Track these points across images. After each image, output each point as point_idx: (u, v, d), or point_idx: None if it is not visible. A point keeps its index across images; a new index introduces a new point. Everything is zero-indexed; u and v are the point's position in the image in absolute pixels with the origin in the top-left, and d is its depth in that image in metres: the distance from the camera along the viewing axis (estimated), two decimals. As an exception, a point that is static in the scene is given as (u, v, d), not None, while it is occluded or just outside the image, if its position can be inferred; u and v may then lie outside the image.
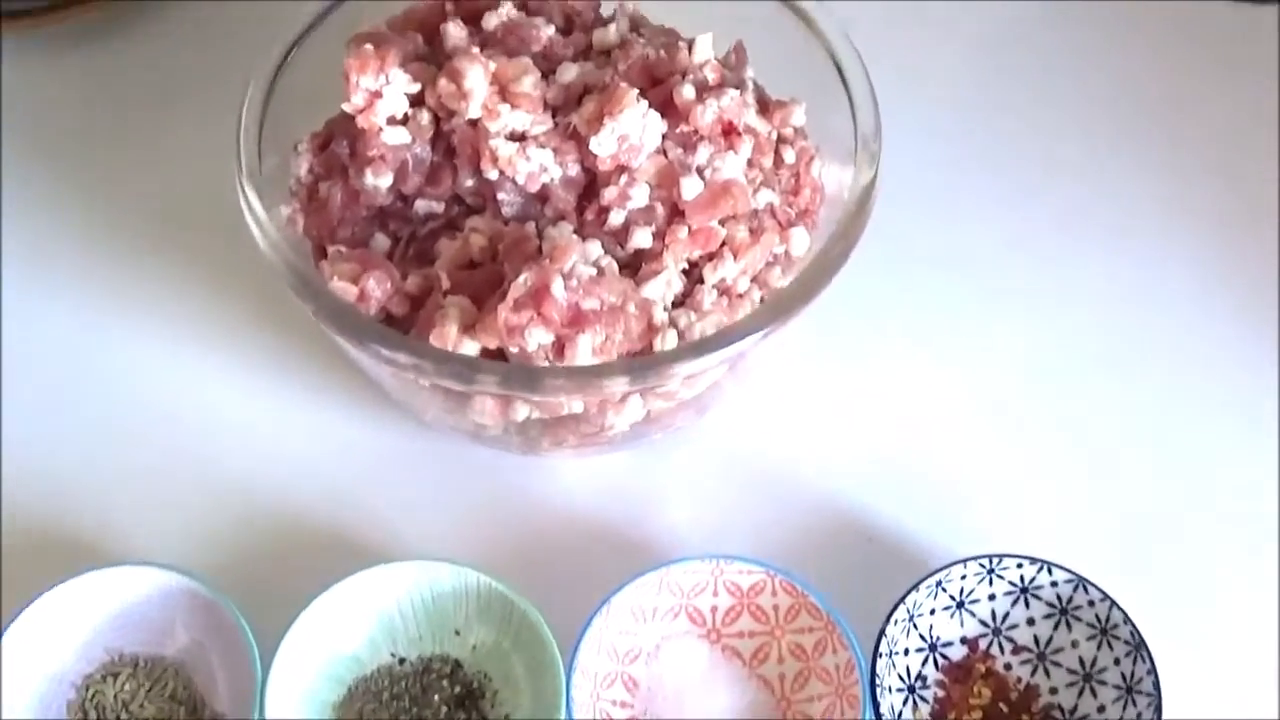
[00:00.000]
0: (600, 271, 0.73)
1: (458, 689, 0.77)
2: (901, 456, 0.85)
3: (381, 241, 0.78)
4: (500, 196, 0.76)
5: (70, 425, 0.86)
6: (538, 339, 0.71)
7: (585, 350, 0.72)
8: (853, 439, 0.86)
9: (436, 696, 0.76)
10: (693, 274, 0.76)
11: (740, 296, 0.76)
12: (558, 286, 0.71)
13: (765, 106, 0.79)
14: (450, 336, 0.73)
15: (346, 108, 0.76)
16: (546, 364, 0.72)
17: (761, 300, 0.77)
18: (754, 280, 0.77)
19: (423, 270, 0.76)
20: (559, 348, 0.72)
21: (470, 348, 0.73)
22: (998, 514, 0.83)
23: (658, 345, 0.73)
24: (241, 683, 0.75)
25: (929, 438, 0.86)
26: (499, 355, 0.73)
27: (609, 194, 0.75)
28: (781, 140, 0.79)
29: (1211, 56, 1.01)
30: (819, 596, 0.76)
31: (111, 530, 0.82)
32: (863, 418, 0.86)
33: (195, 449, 0.85)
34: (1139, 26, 1.03)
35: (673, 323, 0.74)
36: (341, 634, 0.77)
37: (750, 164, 0.77)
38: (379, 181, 0.76)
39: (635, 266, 0.76)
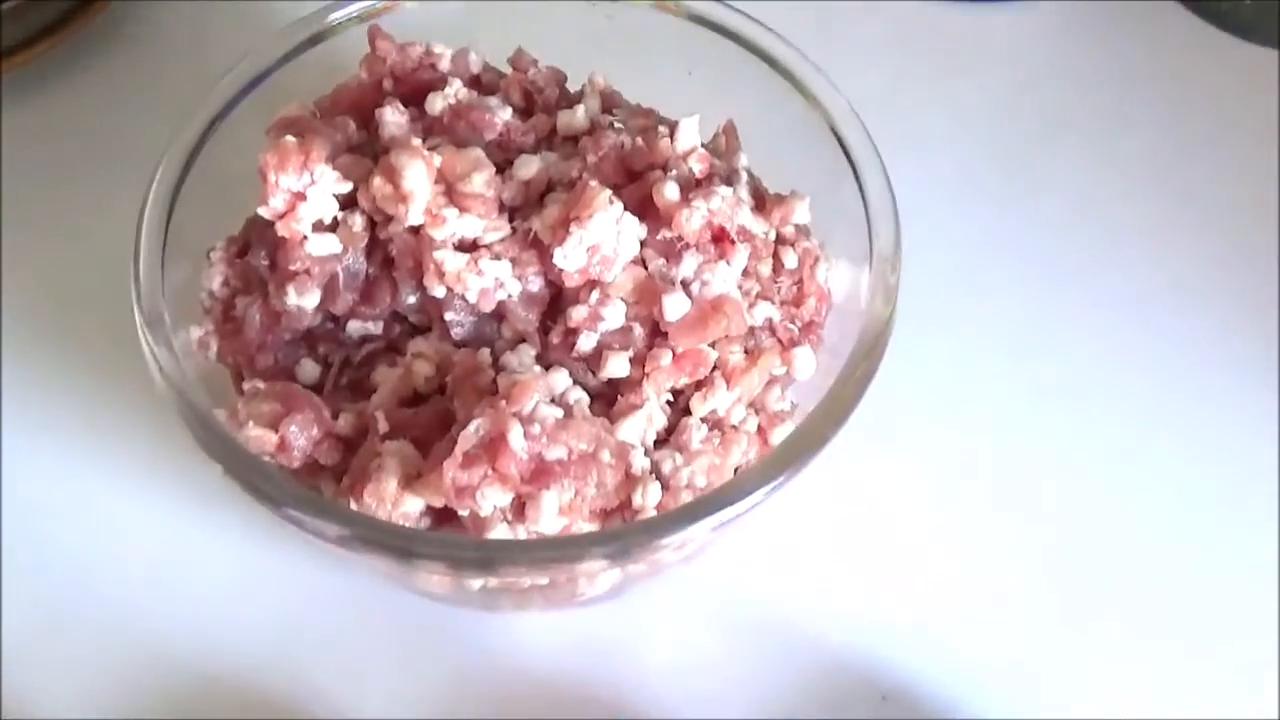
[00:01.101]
0: (568, 412, 0.60)
1: None
2: (921, 604, 0.71)
3: (309, 369, 0.64)
4: (448, 316, 0.63)
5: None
6: (493, 500, 0.58)
7: (550, 511, 0.58)
8: (865, 582, 0.72)
9: None
10: (677, 403, 0.63)
11: (735, 428, 0.64)
12: (516, 436, 0.58)
13: (762, 202, 0.66)
14: (388, 493, 0.59)
15: (264, 212, 0.63)
16: (504, 527, 0.59)
17: (759, 430, 0.64)
18: (750, 406, 0.65)
19: (358, 405, 0.63)
20: (519, 507, 0.59)
21: (413, 505, 0.59)
22: (1028, 672, 0.69)
23: (638, 499, 0.60)
24: None
25: (952, 584, 0.72)
26: (449, 512, 0.60)
27: (577, 314, 0.62)
28: (781, 241, 0.66)
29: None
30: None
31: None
32: (876, 558, 0.72)
33: (94, 591, 0.71)
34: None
35: (655, 468, 0.61)
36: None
37: (745, 273, 0.64)
38: (303, 301, 0.63)
39: (609, 399, 0.62)
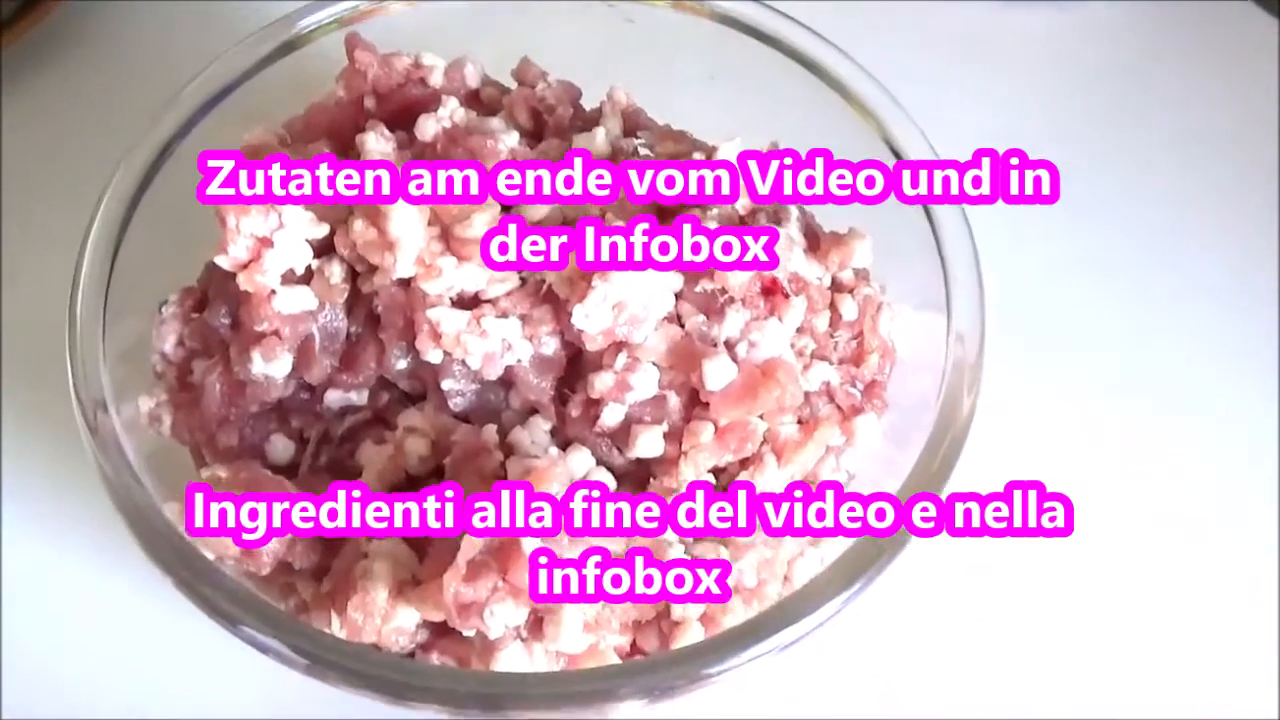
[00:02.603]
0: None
1: None
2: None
3: (281, 447, 0.52)
4: (446, 385, 0.51)
5: None
6: (504, 618, 0.46)
7: (573, 629, 0.46)
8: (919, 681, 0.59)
9: None
10: (719, 484, 0.52)
11: (784, 520, 0.52)
12: (532, 540, 0.47)
13: (816, 242, 0.54)
14: (377, 606, 0.47)
15: (223, 262, 0.51)
16: (518, 648, 0.47)
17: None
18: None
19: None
20: (535, 624, 0.47)
21: (407, 619, 0.48)
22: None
23: (678, 609, 0.48)
24: None
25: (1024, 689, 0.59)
26: (450, 626, 0.49)
27: (601, 382, 0.50)
28: (838, 288, 0.54)
29: None
30: None
31: None
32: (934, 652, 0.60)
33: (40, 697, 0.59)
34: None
35: (697, 569, 0.50)
36: None
37: (799, 329, 0.52)
38: (271, 369, 0.50)
39: (639, 481, 0.50)
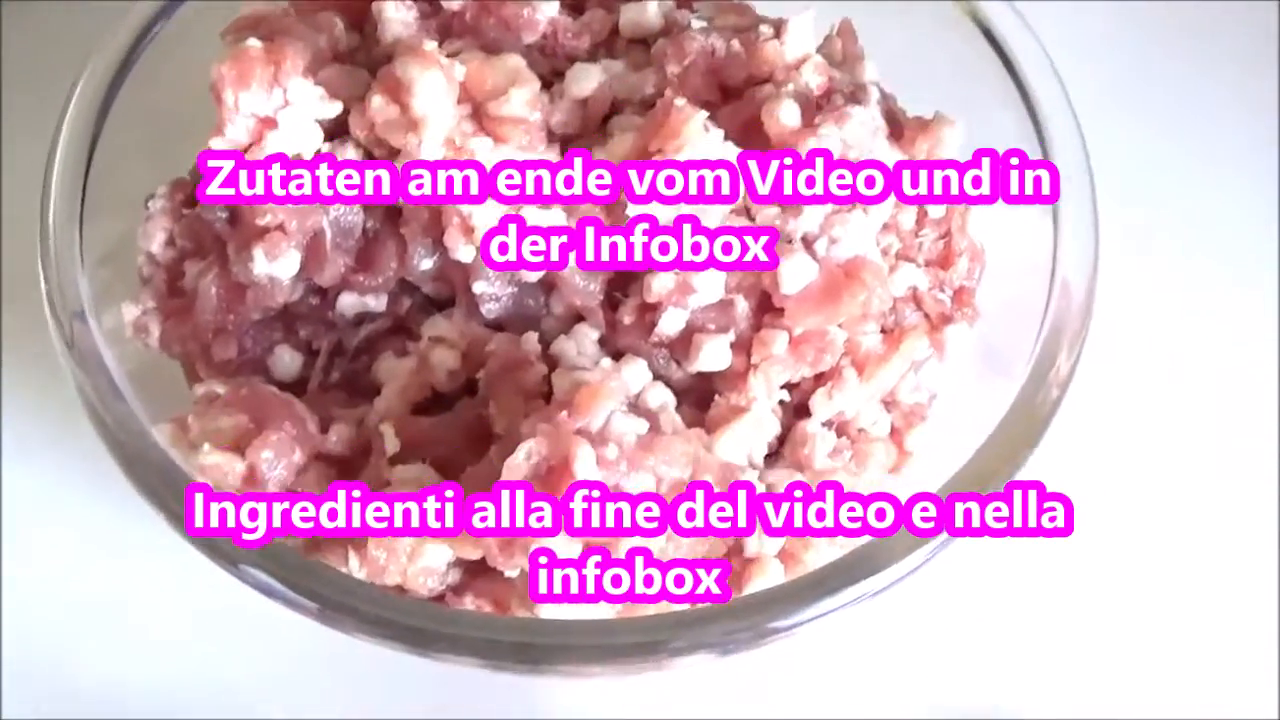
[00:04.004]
0: (653, 425, 0.41)
1: None
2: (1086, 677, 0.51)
3: (287, 360, 0.44)
4: (478, 288, 0.43)
5: None
6: (558, 554, 0.39)
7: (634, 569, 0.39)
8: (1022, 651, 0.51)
9: None
10: (790, 402, 0.44)
11: (864, 433, 0.44)
12: (585, 464, 0.39)
13: (899, 129, 0.45)
14: (403, 542, 0.40)
15: (220, 146, 0.43)
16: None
17: (893, 432, 0.45)
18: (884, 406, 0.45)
19: (356, 411, 0.43)
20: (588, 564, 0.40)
21: (436, 557, 0.40)
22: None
23: (752, 547, 0.41)
24: None
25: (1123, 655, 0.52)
26: (486, 565, 0.41)
27: (660, 284, 0.41)
28: (924, 181, 0.47)
29: None
30: None
31: None
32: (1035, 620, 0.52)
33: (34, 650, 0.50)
34: None
35: (770, 499, 0.42)
36: None
37: (884, 226, 0.45)
38: (276, 269, 0.42)
39: (701, 399, 0.43)
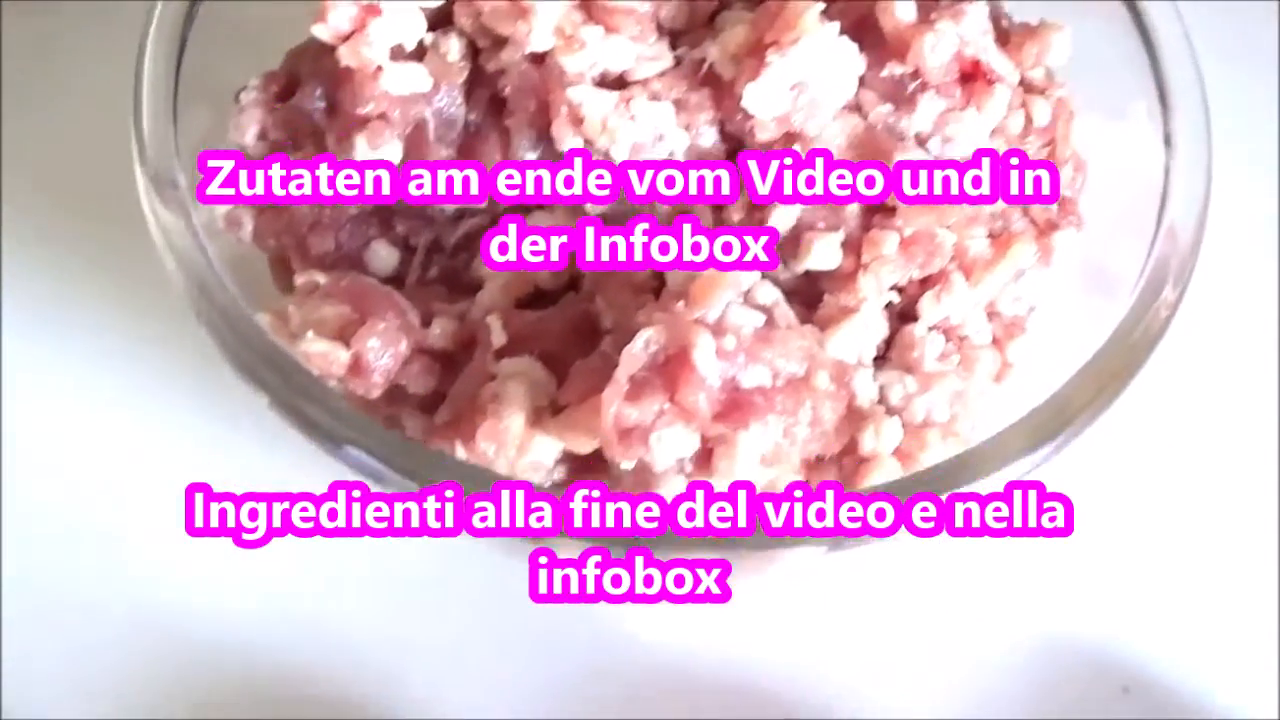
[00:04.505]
0: (769, 319, 0.40)
1: None
2: (1167, 591, 0.50)
3: (384, 256, 0.42)
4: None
5: None
6: (673, 447, 0.38)
7: (748, 462, 0.38)
8: (1105, 566, 0.50)
9: None
10: (893, 308, 0.42)
11: (967, 340, 0.44)
12: (705, 354, 0.38)
13: (1004, 35, 0.44)
14: (511, 435, 0.38)
15: (320, 33, 0.41)
16: (681, 484, 0.38)
17: (994, 342, 0.44)
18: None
19: (458, 307, 0.42)
20: (704, 456, 0.39)
21: (545, 451, 0.39)
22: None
23: (868, 443, 0.40)
24: None
25: (1200, 572, 0.51)
26: (595, 461, 0.40)
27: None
28: (1028, 88, 0.44)
29: None
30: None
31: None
32: (1117, 538, 0.50)
33: (107, 559, 0.49)
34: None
35: (882, 400, 0.41)
36: None
37: (993, 130, 0.43)
38: (378, 158, 0.41)
39: (809, 300, 0.41)
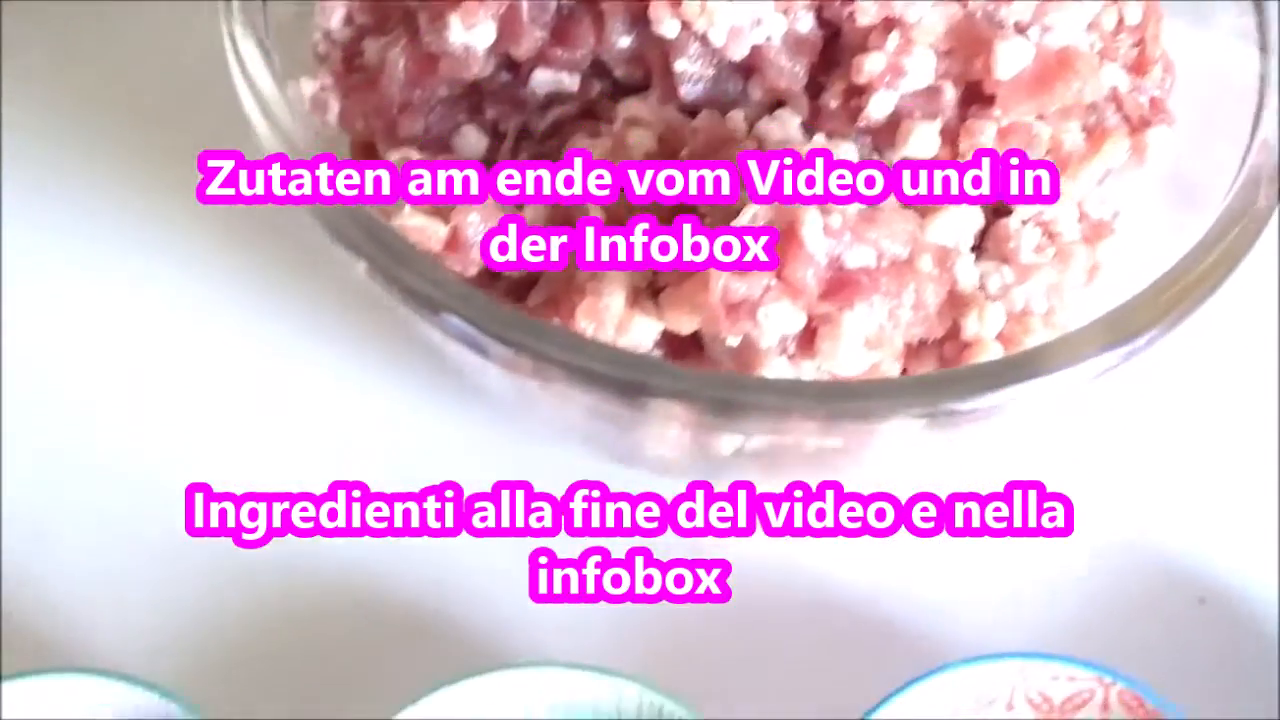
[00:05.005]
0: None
1: None
2: (1245, 501, 0.49)
3: (473, 140, 0.42)
4: (679, 67, 0.40)
5: None
6: (779, 324, 0.37)
7: (853, 343, 0.37)
8: (1183, 476, 0.50)
9: None
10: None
11: (1068, 241, 0.42)
12: (813, 229, 0.37)
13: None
14: (611, 314, 0.38)
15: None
16: (783, 366, 0.38)
17: (1083, 239, 0.43)
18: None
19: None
20: (807, 337, 0.38)
21: (644, 331, 0.38)
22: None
23: (971, 327, 0.39)
24: None
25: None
26: (691, 344, 0.39)
27: (872, 64, 0.39)
28: (1120, -13, 0.44)
29: None
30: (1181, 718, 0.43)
31: (55, 615, 0.46)
32: (1195, 449, 0.50)
33: (182, 473, 0.47)
34: None
35: (981, 289, 0.41)
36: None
37: (1089, 24, 0.42)
38: (471, 38, 0.40)
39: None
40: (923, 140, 0.40)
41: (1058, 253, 0.41)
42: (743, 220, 0.36)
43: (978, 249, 0.41)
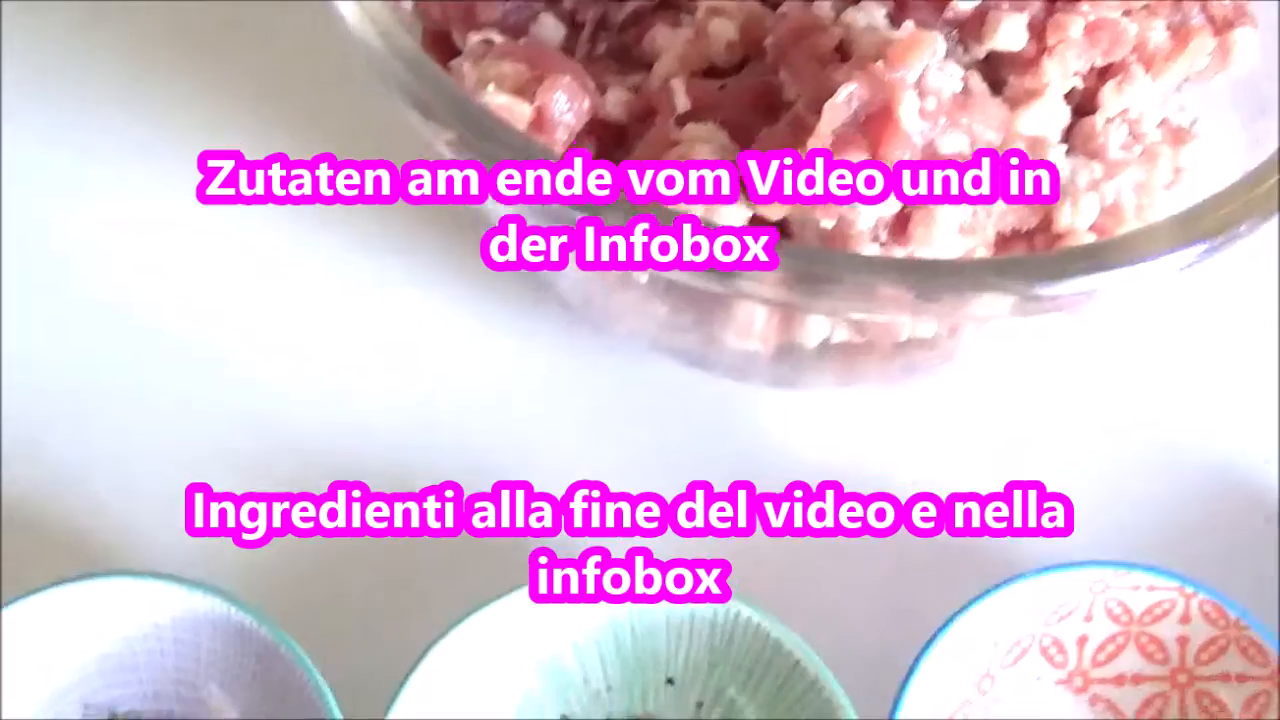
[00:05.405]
0: (965, 88, 0.38)
1: (673, 776, 0.42)
2: None
3: (551, 29, 0.41)
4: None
5: (41, 338, 0.48)
6: (875, 207, 0.36)
7: (947, 230, 0.36)
8: (1251, 394, 0.49)
9: (643, 789, 0.42)
10: (1074, 96, 0.40)
11: (1153, 141, 0.41)
12: (909, 110, 0.36)
13: None
14: (695, 207, 0.37)
15: None
16: (877, 247, 0.37)
17: (1164, 141, 0.42)
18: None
19: (631, 78, 0.40)
20: (899, 224, 0.37)
21: (733, 214, 0.38)
22: None
23: (1064, 219, 0.38)
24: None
25: None
26: (781, 230, 0.38)
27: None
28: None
29: None
30: (1263, 630, 0.43)
31: (106, 517, 0.45)
32: (1264, 366, 0.49)
33: (231, 373, 0.47)
34: None
35: (1072, 184, 0.40)
36: (482, 690, 0.41)
37: (1176, -79, 0.41)
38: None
39: (992, 84, 0.39)
40: (1010, 33, 0.39)
41: (1143, 152, 0.40)
42: (839, 99, 0.35)
43: (1065, 146, 0.40)
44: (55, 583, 0.41)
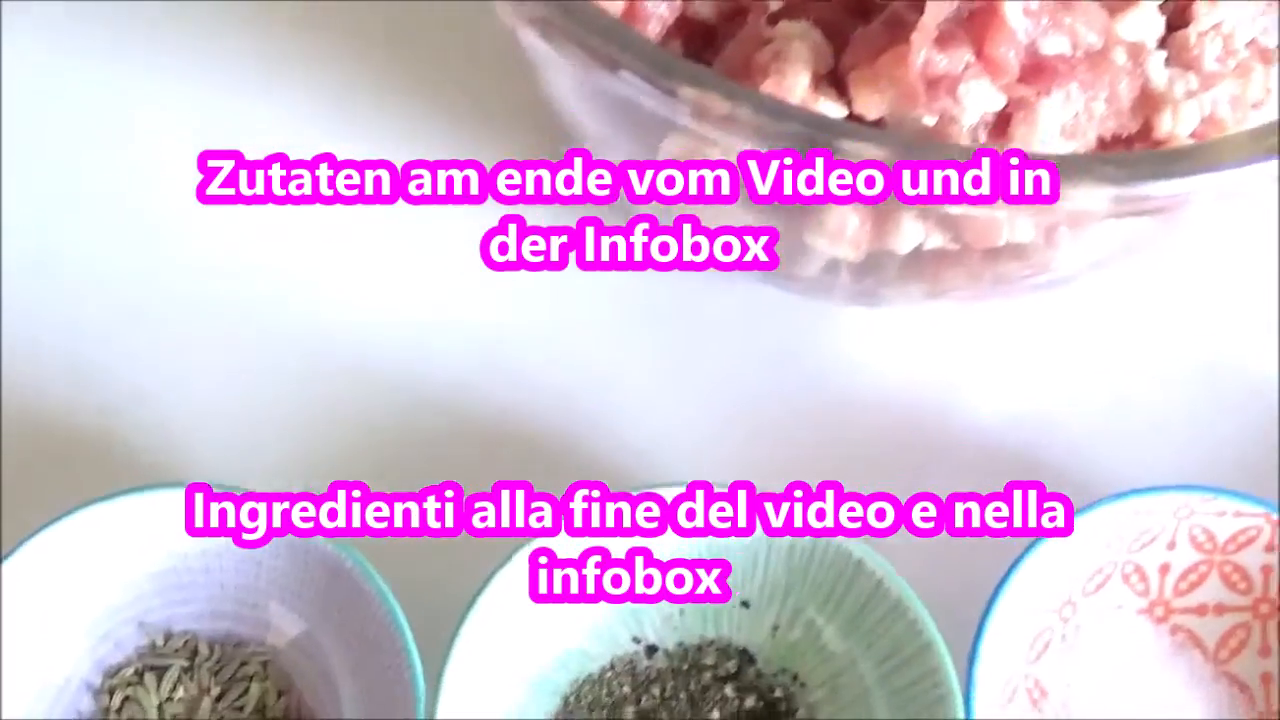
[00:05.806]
0: (1065, -9, 0.37)
1: (749, 701, 0.41)
2: None
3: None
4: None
5: (89, 255, 0.47)
6: (979, 101, 0.35)
7: (1050, 127, 0.36)
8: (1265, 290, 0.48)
9: (715, 714, 0.40)
10: (1166, 7, 0.39)
11: (1247, 57, 0.41)
12: (1014, 7, 0.35)
13: None
14: (795, 91, 0.35)
15: None
16: (969, 150, 0.36)
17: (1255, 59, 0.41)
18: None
19: (719, -21, 0.39)
20: (1000, 123, 0.36)
21: (831, 109, 0.36)
22: None
23: (1165, 124, 0.37)
24: (382, 695, 0.39)
25: None
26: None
27: None
28: None
29: None
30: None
31: (163, 432, 0.44)
32: None
33: (297, 294, 0.47)
34: None
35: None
36: (553, 613, 0.40)
37: None
38: None
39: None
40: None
41: (1238, 66, 0.40)
42: (933, 14, 0.34)
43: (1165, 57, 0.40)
44: (107, 495, 0.40)
